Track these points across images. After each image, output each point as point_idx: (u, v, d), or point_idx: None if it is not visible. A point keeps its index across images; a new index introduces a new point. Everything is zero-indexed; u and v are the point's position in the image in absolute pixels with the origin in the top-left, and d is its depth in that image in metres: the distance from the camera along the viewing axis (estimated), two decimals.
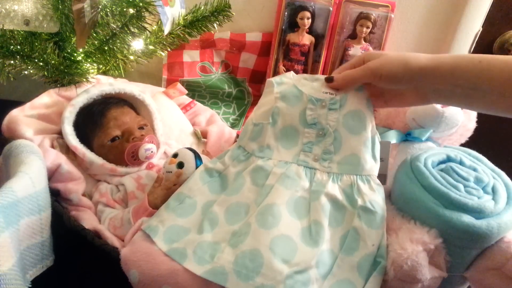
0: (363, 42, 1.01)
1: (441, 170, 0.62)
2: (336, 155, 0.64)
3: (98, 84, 0.81)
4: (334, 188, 0.62)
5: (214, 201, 0.63)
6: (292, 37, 1.03)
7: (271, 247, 0.54)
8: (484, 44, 1.03)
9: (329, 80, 0.65)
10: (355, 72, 0.62)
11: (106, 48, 0.79)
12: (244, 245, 0.55)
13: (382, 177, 0.66)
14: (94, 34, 0.76)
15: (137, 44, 0.82)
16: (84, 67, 0.80)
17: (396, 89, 0.63)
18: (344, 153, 0.64)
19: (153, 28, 0.85)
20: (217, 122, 0.97)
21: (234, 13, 0.90)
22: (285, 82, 0.68)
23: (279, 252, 0.54)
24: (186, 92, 0.98)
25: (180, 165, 0.69)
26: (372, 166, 0.64)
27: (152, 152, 0.75)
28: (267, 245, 0.54)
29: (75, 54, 0.79)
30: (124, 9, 0.73)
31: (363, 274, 0.56)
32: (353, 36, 1.03)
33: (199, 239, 0.58)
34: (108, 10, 0.72)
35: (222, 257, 0.55)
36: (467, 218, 0.56)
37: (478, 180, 0.61)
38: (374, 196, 0.61)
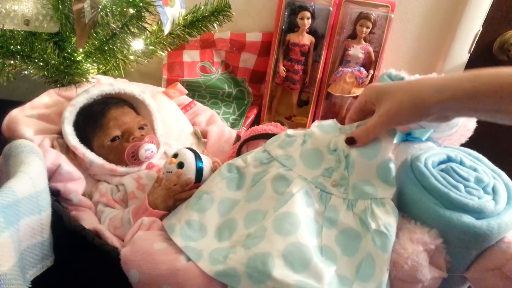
0: (363, 42, 1.01)
1: (442, 170, 0.62)
2: (351, 180, 0.63)
3: (98, 84, 0.81)
4: (348, 217, 0.60)
5: (230, 198, 0.64)
6: (292, 37, 1.03)
7: (284, 253, 0.54)
8: (484, 44, 1.03)
9: (351, 142, 0.63)
10: (375, 127, 0.62)
11: (106, 48, 0.79)
12: (257, 248, 0.55)
13: None
14: (94, 34, 0.76)
15: (137, 44, 0.82)
16: (84, 67, 0.80)
17: None
18: (357, 178, 0.62)
19: (153, 28, 0.85)
20: (217, 122, 0.97)
21: (234, 13, 0.90)
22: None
23: (292, 260, 0.54)
24: (186, 92, 0.98)
25: (180, 165, 0.69)
26: (387, 191, 0.61)
27: (152, 152, 0.75)
28: (280, 251, 0.54)
29: (75, 54, 0.79)
30: (124, 9, 0.73)
31: None
32: (353, 36, 1.02)
33: (217, 245, 0.58)
34: (108, 10, 0.72)
35: (233, 258, 0.55)
36: (467, 218, 0.55)
37: (478, 180, 0.60)
38: (389, 219, 0.58)
